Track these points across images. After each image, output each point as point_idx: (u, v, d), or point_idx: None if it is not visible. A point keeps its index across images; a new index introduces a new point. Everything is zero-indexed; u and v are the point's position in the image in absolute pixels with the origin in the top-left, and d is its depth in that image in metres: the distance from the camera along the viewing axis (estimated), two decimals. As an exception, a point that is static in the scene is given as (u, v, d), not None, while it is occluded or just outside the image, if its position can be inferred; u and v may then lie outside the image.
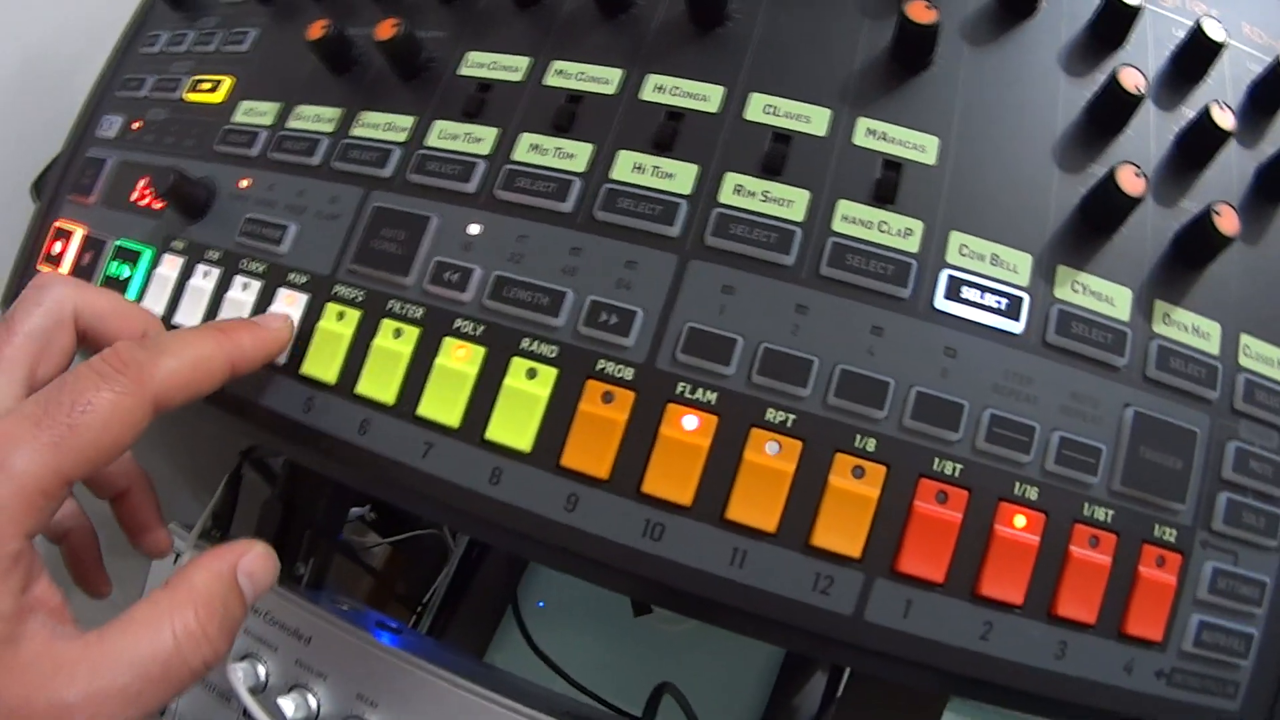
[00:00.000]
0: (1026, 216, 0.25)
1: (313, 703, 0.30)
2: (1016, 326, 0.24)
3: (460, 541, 0.48)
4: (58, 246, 0.29)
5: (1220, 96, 0.27)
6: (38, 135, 0.33)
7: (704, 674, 0.37)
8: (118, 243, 0.27)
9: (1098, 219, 0.25)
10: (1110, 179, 0.24)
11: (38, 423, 0.19)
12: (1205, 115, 0.26)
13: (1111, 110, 0.26)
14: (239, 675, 0.30)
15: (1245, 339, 0.26)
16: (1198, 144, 0.26)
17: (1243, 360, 0.25)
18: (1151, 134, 0.27)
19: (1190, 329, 0.25)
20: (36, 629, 0.18)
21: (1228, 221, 0.25)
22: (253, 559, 0.22)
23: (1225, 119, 0.26)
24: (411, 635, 0.35)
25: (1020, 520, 0.23)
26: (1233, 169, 0.27)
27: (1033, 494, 0.23)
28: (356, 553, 0.49)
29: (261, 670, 0.31)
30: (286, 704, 0.29)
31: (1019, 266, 0.24)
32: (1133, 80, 0.26)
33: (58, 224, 0.29)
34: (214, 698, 0.33)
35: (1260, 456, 0.25)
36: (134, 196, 0.28)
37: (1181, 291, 0.25)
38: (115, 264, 0.27)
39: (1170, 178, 0.26)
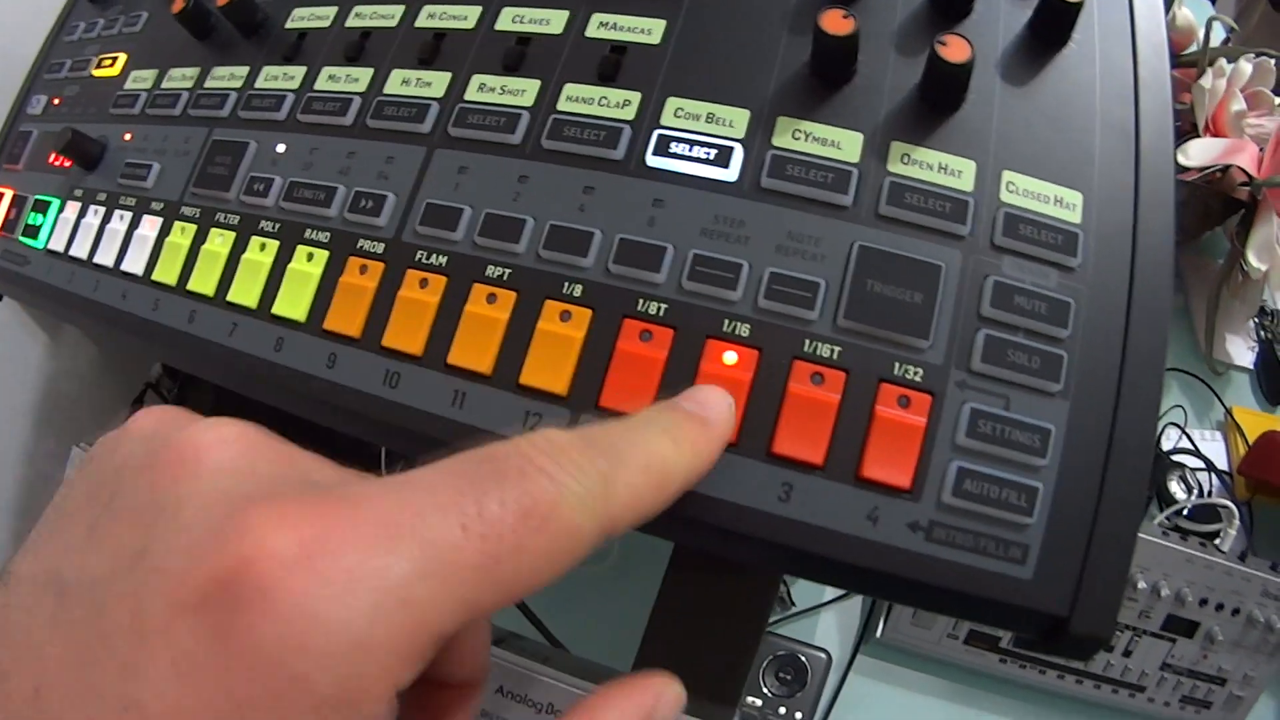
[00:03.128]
0: (749, 78, 0.26)
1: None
2: (728, 174, 0.25)
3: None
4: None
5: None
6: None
7: (627, 611, 0.37)
8: (35, 196, 0.34)
9: (821, 70, 0.25)
10: (816, 25, 0.24)
11: (466, 527, 0.13)
12: (950, -36, 0.26)
13: (849, -27, 0.26)
14: None
15: (1009, 175, 0.24)
16: (947, -6, 0.26)
17: (1005, 196, 0.24)
18: (900, -4, 0.27)
19: (936, 167, 0.25)
20: None
21: (955, 50, 0.24)
22: (670, 705, 0.17)
23: (974, -35, 0.26)
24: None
25: (731, 357, 0.23)
26: (1000, 23, 0.26)
27: (744, 330, 0.23)
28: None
29: None
30: None
31: (735, 121, 0.25)
32: (866, -59, 0.26)
33: (-9, 188, 0.37)
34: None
35: (1031, 293, 0.23)
36: (50, 159, 0.35)
37: (925, 133, 0.25)
38: (32, 214, 0.34)
39: (918, 31, 0.26)
